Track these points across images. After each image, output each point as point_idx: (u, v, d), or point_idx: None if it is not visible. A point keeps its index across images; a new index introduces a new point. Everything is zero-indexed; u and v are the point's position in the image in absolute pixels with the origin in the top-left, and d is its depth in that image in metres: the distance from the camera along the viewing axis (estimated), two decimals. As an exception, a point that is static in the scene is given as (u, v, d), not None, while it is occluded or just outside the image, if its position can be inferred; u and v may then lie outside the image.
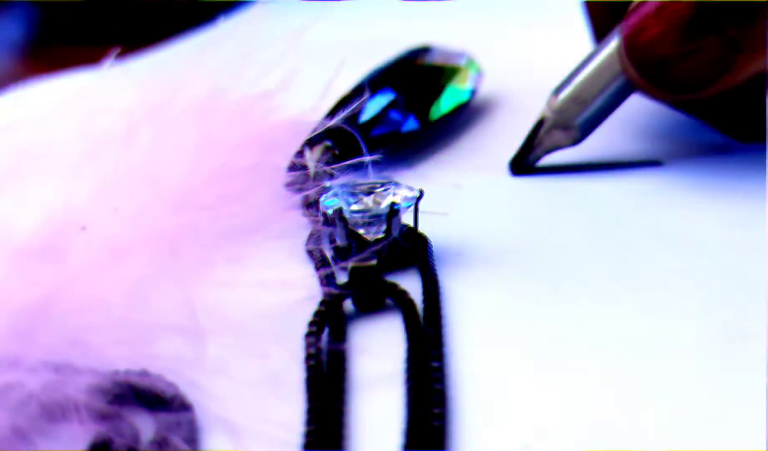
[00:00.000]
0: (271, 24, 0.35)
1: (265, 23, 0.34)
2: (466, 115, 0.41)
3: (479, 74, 0.41)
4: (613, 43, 0.34)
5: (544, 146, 0.36)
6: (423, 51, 0.41)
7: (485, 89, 0.41)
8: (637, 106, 0.39)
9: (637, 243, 0.32)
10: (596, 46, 0.36)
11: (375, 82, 0.38)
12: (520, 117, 0.41)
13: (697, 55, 0.31)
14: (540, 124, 0.36)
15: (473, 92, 0.40)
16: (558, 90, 0.36)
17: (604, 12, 0.36)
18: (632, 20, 0.33)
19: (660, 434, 0.24)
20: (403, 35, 0.43)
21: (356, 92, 0.37)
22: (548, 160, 0.37)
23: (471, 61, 0.41)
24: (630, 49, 0.33)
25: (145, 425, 0.24)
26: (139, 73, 0.41)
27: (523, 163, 0.36)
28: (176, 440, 0.23)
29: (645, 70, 0.33)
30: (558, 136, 0.35)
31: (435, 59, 0.40)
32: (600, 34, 0.37)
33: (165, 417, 0.24)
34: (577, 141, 0.36)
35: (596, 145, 0.37)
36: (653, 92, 0.34)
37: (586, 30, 0.39)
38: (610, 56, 0.34)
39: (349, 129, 0.34)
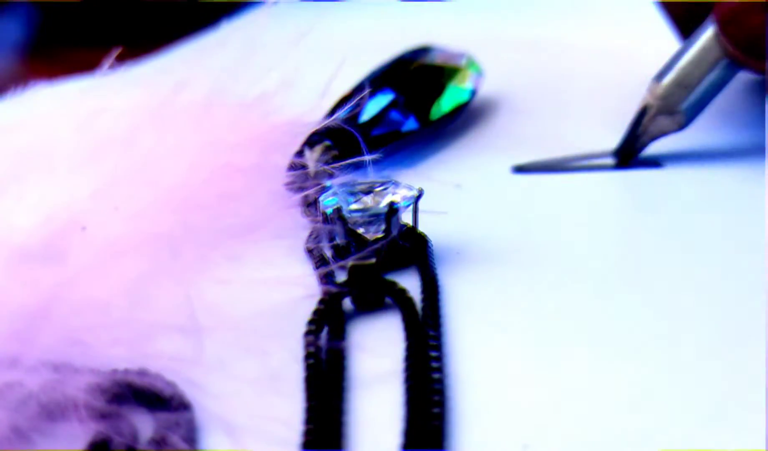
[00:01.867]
0: (272, 25, 0.35)
1: (265, 24, 0.34)
2: (466, 115, 0.41)
3: (480, 74, 0.41)
4: (708, 29, 0.35)
5: (649, 133, 0.36)
6: (423, 51, 0.41)
7: (485, 89, 0.41)
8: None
9: (637, 242, 0.32)
10: (691, 35, 0.36)
11: (375, 82, 0.38)
12: (521, 117, 0.41)
13: None
14: (643, 112, 0.36)
15: (473, 92, 0.40)
16: (659, 77, 0.36)
17: (683, 8, 0.38)
18: (723, 4, 0.34)
19: (660, 433, 0.24)
20: (403, 36, 0.43)
21: (356, 92, 0.37)
22: (549, 161, 0.37)
23: (471, 61, 0.41)
24: (725, 27, 0.34)
25: (144, 424, 0.24)
26: (140, 75, 0.41)
27: (629, 152, 0.37)
28: (175, 439, 0.23)
29: (742, 45, 0.34)
30: (663, 122, 0.36)
31: (435, 59, 0.40)
32: (681, 24, 0.39)
33: (164, 416, 0.24)
34: (683, 126, 0.36)
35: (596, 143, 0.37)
36: (753, 64, 0.35)
37: (590, 30, 0.39)
38: (708, 41, 0.35)
39: (349, 129, 0.34)
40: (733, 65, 0.35)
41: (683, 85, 0.36)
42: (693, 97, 0.36)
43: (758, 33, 0.33)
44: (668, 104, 0.36)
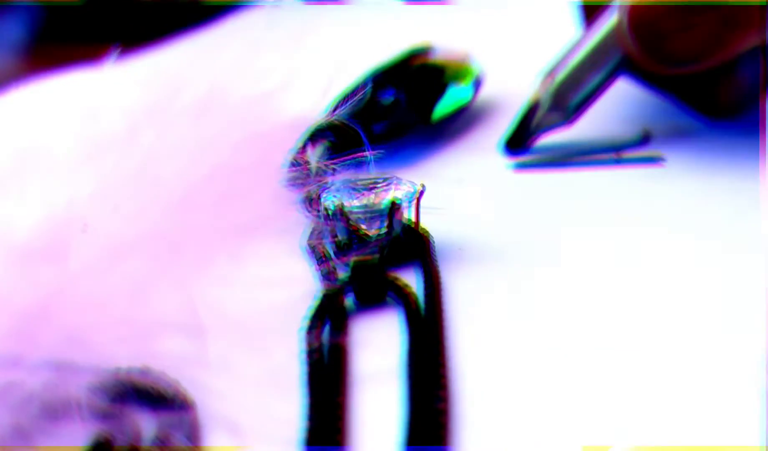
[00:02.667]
0: (274, 22, 0.35)
1: (267, 22, 0.34)
2: (467, 114, 0.41)
3: (481, 75, 0.41)
4: (607, 26, 0.36)
5: (539, 127, 0.37)
6: (425, 51, 0.41)
7: (487, 89, 0.41)
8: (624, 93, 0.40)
9: (638, 238, 0.32)
10: (586, 31, 0.37)
11: (377, 80, 0.38)
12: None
13: (694, 30, 0.33)
14: (534, 105, 0.37)
15: (475, 92, 0.40)
16: (551, 72, 0.37)
17: (598, 11, 0.38)
18: (637, 5, 0.34)
19: (661, 428, 0.24)
20: (405, 37, 0.43)
21: (358, 90, 0.37)
22: (548, 158, 0.37)
23: (473, 62, 0.41)
24: (634, 24, 0.34)
25: (147, 423, 0.24)
26: (140, 73, 0.41)
27: (518, 143, 0.37)
28: (178, 438, 0.23)
29: (646, 44, 0.34)
30: (552, 116, 0.37)
31: (437, 59, 0.40)
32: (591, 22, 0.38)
33: (166, 415, 0.24)
34: (571, 121, 0.37)
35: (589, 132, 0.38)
36: (650, 65, 0.35)
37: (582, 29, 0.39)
38: (604, 39, 0.36)
39: (350, 126, 0.34)
40: (622, 65, 0.36)
41: (574, 81, 0.36)
42: (582, 93, 0.36)
43: (666, 39, 0.34)
44: (558, 100, 0.37)
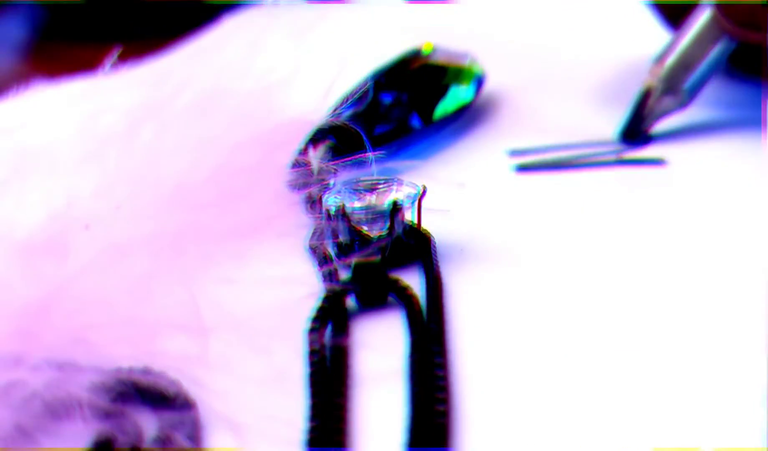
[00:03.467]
0: (276, 22, 0.35)
1: (268, 22, 0.34)
2: (468, 115, 0.41)
3: (482, 75, 0.41)
4: (705, 12, 0.38)
5: (654, 113, 0.38)
6: (427, 51, 0.41)
7: (488, 90, 0.41)
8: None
9: (641, 240, 0.32)
10: (686, 21, 0.39)
11: (379, 81, 0.38)
12: (523, 117, 0.41)
13: None
14: (647, 93, 0.38)
15: (476, 93, 0.40)
16: (659, 59, 0.38)
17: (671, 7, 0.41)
18: None
19: (661, 429, 0.24)
20: (406, 37, 0.43)
21: (360, 90, 0.37)
22: (549, 156, 0.37)
23: (474, 62, 0.41)
24: (722, 6, 0.37)
25: (148, 422, 0.24)
26: (142, 73, 0.41)
27: (635, 133, 0.38)
28: (179, 438, 0.23)
29: (739, 19, 0.36)
30: (667, 102, 0.38)
31: (439, 59, 0.40)
32: (670, 20, 0.41)
33: (168, 415, 0.24)
34: (685, 104, 0.38)
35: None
36: (751, 37, 0.37)
37: (588, 32, 0.39)
38: (706, 21, 0.37)
39: (352, 127, 0.34)
40: (731, 41, 0.37)
41: (685, 65, 0.38)
42: (694, 76, 0.38)
43: (753, 8, 0.36)
44: (671, 84, 0.38)
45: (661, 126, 0.39)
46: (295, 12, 0.43)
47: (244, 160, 0.31)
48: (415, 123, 0.38)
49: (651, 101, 0.38)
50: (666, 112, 0.38)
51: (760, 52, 0.38)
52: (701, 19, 0.38)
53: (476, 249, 0.31)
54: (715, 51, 0.38)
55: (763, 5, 0.36)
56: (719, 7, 0.37)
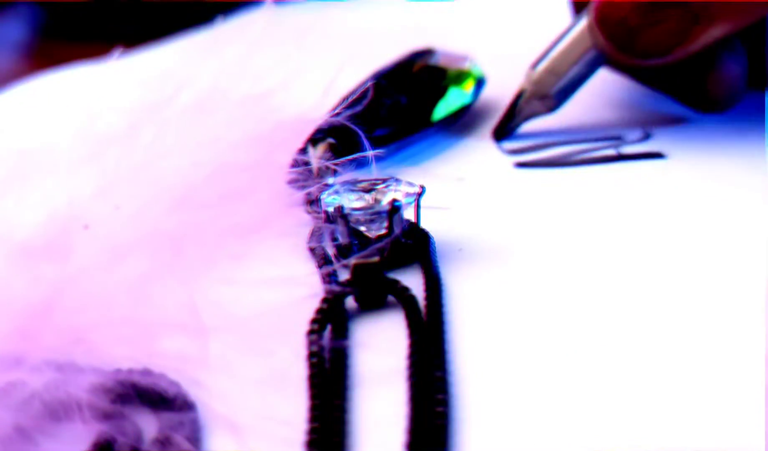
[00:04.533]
0: (276, 22, 0.35)
1: (268, 22, 0.34)
2: (468, 116, 0.41)
3: (482, 77, 0.41)
4: (583, 21, 0.38)
5: (523, 114, 0.39)
6: (427, 53, 0.41)
7: (488, 91, 0.41)
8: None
9: (641, 237, 0.32)
10: (566, 28, 0.39)
11: (379, 82, 0.38)
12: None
13: (661, 25, 0.35)
14: (519, 95, 0.39)
15: (476, 95, 0.40)
16: (535, 64, 0.39)
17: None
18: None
19: (663, 430, 0.24)
20: (406, 37, 0.43)
21: (360, 91, 0.37)
22: (551, 156, 0.37)
23: (474, 64, 0.41)
24: (601, 20, 0.37)
25: (148, 424, 0.24)
26: (142, 71, 0.41)
27: (504, 131, 0.39)
28: (179, 439, 0.23)
29: (614, 38, 0.37)
30: (536, 105, 0.39)
31: (438, 61, 0.40)
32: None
33: (168, 416, 0.24)
34: (552, 109, 0.39)
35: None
36: (621, 59, 0.38)
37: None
38: (582, 31, 0.38)
39: (352, 127, 0.34)
40: (600, 58, 0.38)
41: (554, 72, 0.39)
42: (562, 83, 0.39)
43: (633, 34, 0.36)
44: (540, 89, 0.39)
45: (662, 126, 0.39)
46: (295, 12, 0.43)
47: (243, 160, 0.31)
48: (414, 124, 0.38)
49: (521, 103, 0.39)
50: (534, 115, 0.39)
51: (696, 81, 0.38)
52: (577, 27, 0.38)
53: (475, 249, 0.31)
54: (585, 61, 0.38)
55: (637, 25, 0.36)
56: (594, 19, 0.37)
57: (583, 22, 0.38)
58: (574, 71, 0.38)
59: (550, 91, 0.39)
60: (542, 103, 0.39)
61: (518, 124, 0.39)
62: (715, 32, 0.36)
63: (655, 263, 0.30)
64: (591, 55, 0.38)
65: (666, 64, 0.37)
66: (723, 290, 0.29)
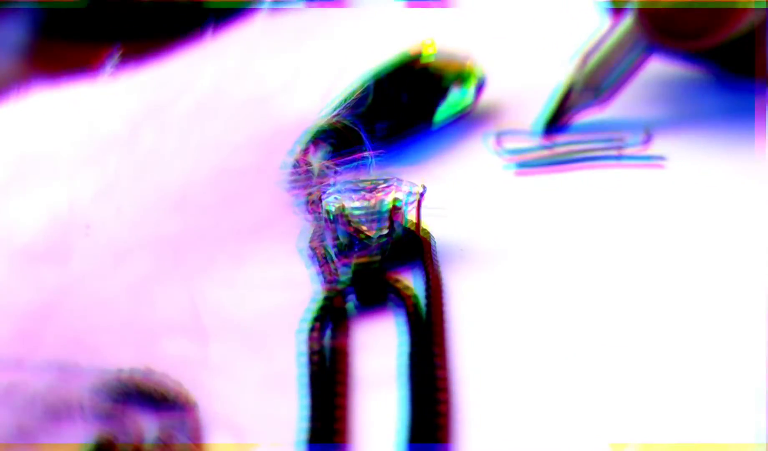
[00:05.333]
0: (275, 25, 0.35)
1: (268, 25, 0.34)
2: (469, 117, 0.41)
3: (482, 78, 0.41)
4: (630, 16, 0.39)
5: (574, 107, 0.40)
6: (427, 53, 0.41)
7: (488, 92, 0.41)
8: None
9: (641, 239, 0.32)
10: (616, 21, 0.40)
11: (378, 82, 0.38)
12: (522, 119, 0.41)
13: (699, 8, 0.36)
14: (570, 86, 0.40)
15: (476, 96, 0.40)
16: (586, 56, 0.40)
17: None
18: None
19: (662, 427, 0.24)
20: (406, 40, 0.43)
21: (360, 92, 0.37)
22: (552, 156, 0.37)
23: (474, 65, 0.41)
24: (644, 6, 0.38)
25: (149, 424, 0.24)
26: (142, 75, 0.41)
27: (555, 123, 0.40)
28: (180, 439, 0.24)
29: (657, 23, 0.38)
30: (587, 97, 0.40)
31: (439, 62, 0.41)
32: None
33: (168, 416, 0.24)
34: (603, 101, 0.40)
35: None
36: (667, 44, 0.38)
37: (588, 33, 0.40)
38: (630, 22, 0.39)
39: (353, 128, 0.34)
40: (648, 46, 0.39)
41: (605, 64, 0.39)
42: (613, 75, 0.39)
43: (674, 19, 0.37)
44: (591, 81, 0.39)
45: (662, 125, 0.39)
46: (295, 14, 0.43)
47: (243, 163, 0.31)
48: (416, 126, 0.38)
49: (572, 95, 0.40)
50: (584, 107, 0.40)
51: (750, 52, 0.39)
52: (625, 21, 0.39)
53: (476, 249, 0.32)
54: (634, 53, 0.39)
55: (680, 11, 0.37)
56: (639, 11, 0.38)
57: (629, 17, 0.39)
58: (625, 63, 0.39)
59: (602, 82, 0.39)
60: (593, 95, 0.39)
61: (569, 116, 0.40)
62: (754, 12, 0.36)
63: (655, 266, 0.30)
64: (639, 44, 0.39)
65: (711, 45, 0.37)
66: (724, 292, 0.29)
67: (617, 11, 0.41)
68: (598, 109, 0.40)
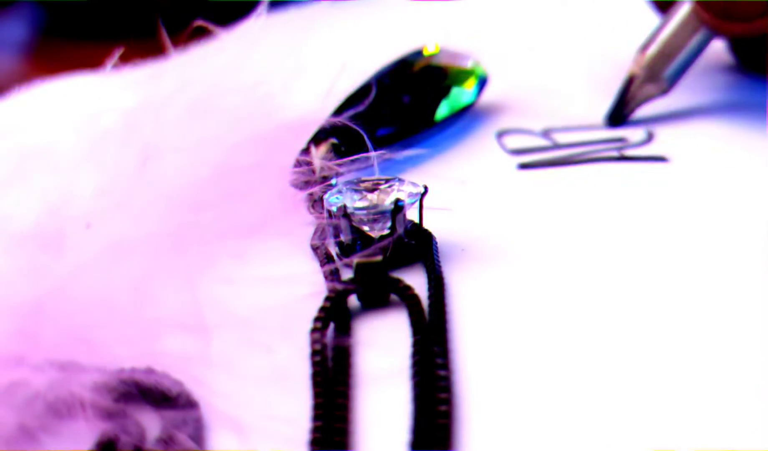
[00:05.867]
0: (279, 22, 0.35)
1: (272, 22, 0.34)
2: (471, 116, 0.41)
3: (485, 77, 0.41)
4: (686, 5, 0.39)
5: (636, 99, 0.40)
6: (430, 52, 0.41)
7: (490, 91, 0.41)
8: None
9: (644, 238, 0.32)
10: (669, 10, 0.41)
11: (381, 81, 0.38)
12: (524, 118, 0.41)
13: None
14: (631, 80, 0.40)
15: (478, 94, 0.40)
16: (643, 48, 0.40)
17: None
18: None
19: (666, 430, 0.24)
20: (410, 37, 0.43)
21: (362, 91, 0.37)
22: (552, 155, 0.37)
23: (477, 64, 0.41)
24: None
25: (151, 422, 0.24)
26: (144, 72, 0.41)
27: (620, 116, 0.40)
28: (182, 438, 0.23)
29: (713, 7, 0.38)
30: (649, 88, 0.40)
31: (441, 61, 0.40)
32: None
33: (171, 415, 0.24)
34: (665, 91, 0.40)
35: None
36: (723, 27, 0.39)
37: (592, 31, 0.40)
38: (687, 14, 0.39)
39: (354, 127, 0.34)
40: (709, 32, 0.39)
41: (665, 54, 0.40)
42: (674, 64, 0.40)
43: (731, 4, 0.38)
44: (653, 72, 0.40)
45: (662, 124, 0.39)
46: (298, 11, 0.43)
47: (245, 160, 0.31)
48: (417, 124, 0.38)
49: (634, 88, 0.40)
50: (648, 99, 0.40)
51: (762, 48, 0.40)
52: (682, 9, 0.39)
53: (478, 249, 0.31)
54: (695, 41, 0.39)
55: None
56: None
57: (686, 7, 0.39)
58: (686, 50, 0.39)
59: (663, 73, 0.40)
60: (655, 86, 0.40)
61: (633, 110, 0.40)
62: None
63: (658, 264, 0.30)
64: (699, 32, 0.39)
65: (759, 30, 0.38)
66: (725, 291, 0.29)
67: (662, 4, 0.42)
68: (662, 98, 0.40)
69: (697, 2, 0.39)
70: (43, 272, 0.26)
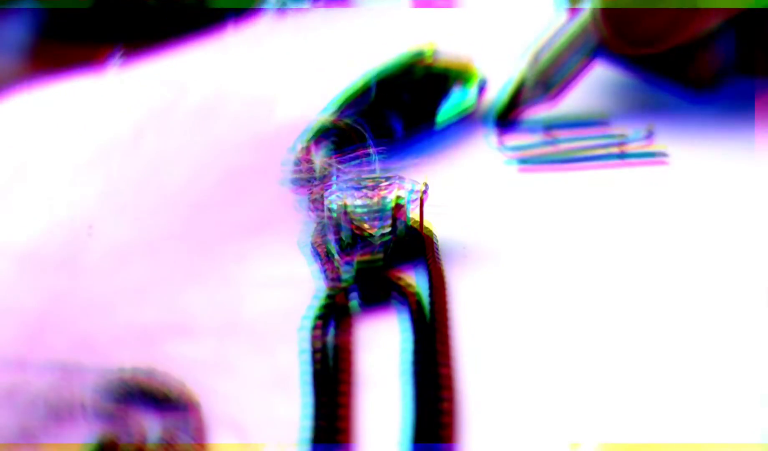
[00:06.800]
0: (279, 25, 0.35)
1: (272, 25, 0.34)
2: (471, 117, 0.41)
3: (484, 78, 0.41)
4: (585, 14, 0.39)
5: (525, 102, 0.40)
6: (430, 54, 0.41)
7: (491, 92, 0.41)
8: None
9: (644, 238, 0.32)
10: (571, 18, 0.41)
11: (381, 82, 0.38)
12: (524, 118, 0.41)
13: (659, 13, 0.37)
14: (521, 82, 0.40)
15: (479, 96, 0.40)
16: (538, 52, 0.40)
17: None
18: None
19: (664, 426, 0.24)
20: (410, 40, 0.43)
21: (362, 91, 0.37)
22: (554, 155, 0.37)
23: (475, 67, 0.41)
24: (604, 9, 0.38)
25: (152, 424, 0.24)
26: (145, 75, 0.41)
27: (507, 118, 0.40)
28: (182, 439, 0.23)
29: (616, 28, 0.38)
30: (537, 92, 0.40)
31: (441, 63, 0.41)
32: None
33: (172, 416, 0.24)
34: (553, 97, 0.40)
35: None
36: (621, 47, 0.38)
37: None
38: (584, 22, 0.39)
39: (355, 127, 0.34)
40: (599, 47, 0.39)
41: (557, 61, 0.40)
42: (562, 74, 0.40)
43: (633, 23, 0.38)
44: (543, 77, 0.40)
45: (663, 124, 0.39)
46: (299, 15, 0.43)
47: (247, 162, 0.31)
48: (417, 126, 0.38)
49: (523, 90, 0.40)
50: (534, 102, 0.40)
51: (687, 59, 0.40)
52: (581, 18, 0.39)
53: (478, 247, 0.31)
54: (583, 53, 0.39)
55: (642, 12, 0.37)
56: (601, 11, 0.38)
57: (584, 15, 0.39)
58: (576, 59, 0.39)
59: (552, 79, 0.40)
60: (544, 91, 0.40)
61: (520, 111, 0.40)
62: (708, 22, 0.37)
63: (656, 263, 0.30)
64: (590, 46, 0.39)
65: (659, 51, 0.38)
66: (725, 291, 0.29)
67: (575, 10, 0.41)
68: (548, 105, 0.40)
69: (600, 13, 0.38)
70: (45, 276, 0.26)
